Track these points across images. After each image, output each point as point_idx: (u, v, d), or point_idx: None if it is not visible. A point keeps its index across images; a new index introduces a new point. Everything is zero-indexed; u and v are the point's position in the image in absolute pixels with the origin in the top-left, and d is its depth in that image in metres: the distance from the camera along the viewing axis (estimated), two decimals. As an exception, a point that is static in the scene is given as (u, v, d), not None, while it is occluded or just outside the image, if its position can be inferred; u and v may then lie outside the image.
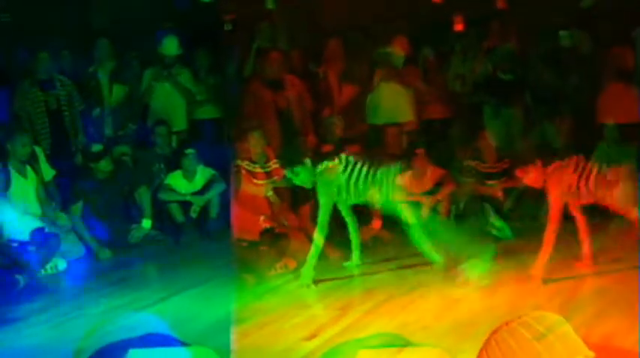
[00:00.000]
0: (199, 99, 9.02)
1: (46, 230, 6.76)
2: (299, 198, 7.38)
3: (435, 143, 8.38)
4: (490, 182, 7.90)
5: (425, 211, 7.80)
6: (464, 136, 8.44)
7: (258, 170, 7.48)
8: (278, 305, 5.64)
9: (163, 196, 8.14)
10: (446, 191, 7.84)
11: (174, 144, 8.78)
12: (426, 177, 7.84)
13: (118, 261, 7.25)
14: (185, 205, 8.13)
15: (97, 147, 7.89)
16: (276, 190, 7.46)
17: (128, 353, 1.56)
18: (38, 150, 7.76)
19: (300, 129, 8.65)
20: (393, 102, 8.80)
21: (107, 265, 7.18)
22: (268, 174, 7.50)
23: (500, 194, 7.78)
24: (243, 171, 7.44)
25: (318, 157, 7.48)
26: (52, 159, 7.86)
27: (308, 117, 8.74)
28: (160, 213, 8.10)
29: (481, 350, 1.60)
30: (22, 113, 8.21)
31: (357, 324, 5.09)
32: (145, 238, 7.81)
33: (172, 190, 8.15)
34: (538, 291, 5.51)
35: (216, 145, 9.00)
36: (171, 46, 8.89)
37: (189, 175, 8.19)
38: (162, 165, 8.49)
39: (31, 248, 6.53)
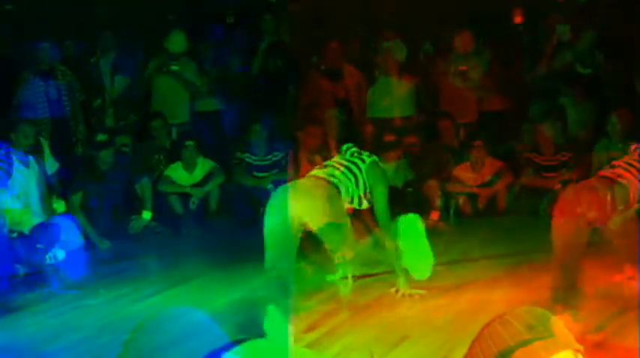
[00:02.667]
0: (202, 91, 9.03)
1: (46, 220, 6.77)
2: None
3: (493, 135, 8.41)
4: (547, 175, 7.93)
5: (481, 203, 7.87)
6: (522, 128, 8.45)
7: (318, 160, 7.39)
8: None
9: (163, 188, 8.14)
10: (503, 183, 7.90)
11: (174, 136, 8.79)
12: (484, 169, 7.94)
13: (118, 252, 7.26)
14: (185, 196, 8.15)
15: (102, 137, 7.90)
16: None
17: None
18: (44, 142, 7.77)
19: (359, 119, 8.69)
20: (394, 96, 8.80)
21: (106, 255, 7.19)
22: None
23: (558, 186, 7.77)
24: (304, 162, 7.36)
25: (377, 147, 7.68)
26: (52, 149, 7.88)
27: (365, 108, 8.84)
28: (160, 204, 8.11)
29: (473, 342, 1.61)
30: (24, 103, 8.23)
31: (353, 318, 5.10)
32: (145, 229, 7.82)
33: (172, 182, 8.16)
34: (536, 287, 5.51)
35: (217, 137, 9.02)
36: (177, 42, 8.86)
37: (190, 167, 8.20)
38: (161, 157, 8.50)
39: (31, 238, 6.54)
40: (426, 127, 8.60)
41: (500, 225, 7.57)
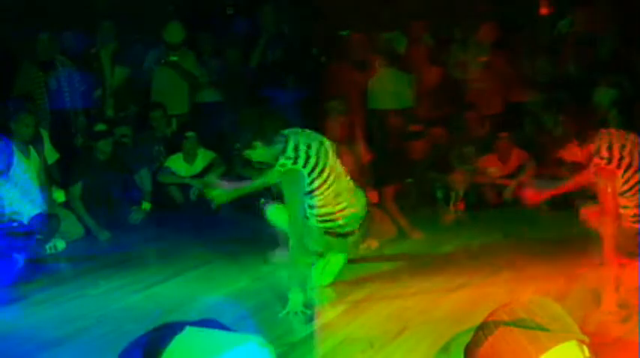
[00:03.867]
0: (202, 82, 9.01)
1: (46, 211, 6.76)
2: (382, 179, 7.43)
3: (517, 126, 8.41)
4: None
5: (508, 194, 7.88)
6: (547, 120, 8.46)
7: (345, 150, 7.36)
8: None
9: (162, 178, 8.14)
10: (529, 174, 7.91)
11: (174, 126, 8.78)
12: (510, 160, 7.96)
13: (118, 242, 7.27)
14: (185, 187, 8.15)
15: (100, 127, 7.89)
16: (360, 171, 7.45)
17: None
18: (44, 133, 7.77)
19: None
20: (394, 88, 8.80)
21: (106, 246, 7.19)
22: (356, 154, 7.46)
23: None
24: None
25: (403, 138, 7.74)
26: (51, 140, 7.87)
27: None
28: (160, 194, 8.11)
29: (478, 330, 1.61)
30: (24, 93, 8.22)
31: (353, 309, 5.10)
32: (144, 220, 7.83)
33: (172, 173, 8.16)
34: (538, 278, 5.52)
35: (217, 128, 9.01)
36: (174, 33, 8.86)
37: (190, 158, 8.20)
38: (161, 148, 8.50)
39: (31, 228, 6.54)
40: (452, 119, 8.62)
41: (508, 216, 7.58)
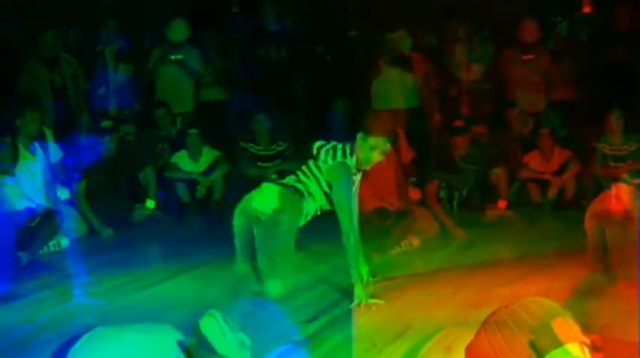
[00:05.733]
0: (206, 81, 9.01)
1: (51, 208, 6.76)
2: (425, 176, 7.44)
3: (559, 124, 8.38)
4: (615, 164, 7.92)
5: (552, 191, 7.87)
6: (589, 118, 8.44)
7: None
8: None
9: (169, 174, 8.15)
10: (572, 172, 7.89)
11: (179, 125, 8.78)
12: (553, 158, 7.96)
13: (121, 240, 7.27)
14: (191, 186, 8.15)
15: (106, 123, 7.89)
16: (402, 169, 7.46)
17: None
18: (47, 131, 7.77)
19: (428, 108, 8.76)
20: (398, 88, 8.79)
21: (110, 244, 7.19)
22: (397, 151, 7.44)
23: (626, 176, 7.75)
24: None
25: (445, 136, 7.80)
26: (56, 138, 7.87)
27: (434, 96, 8.82)
28: (165, 191, 8.11)
29: (479, 330, 1.61)
30: (28, 91, 8.22)
31: (355, 308, 5.09)
32: (148, 218, 7.83)
33: (178, 168, 8.17)
34: (540, 279, 5.51)
35: (222, 127, 9.02)
36: (178, 31, 8.86)
37: (194, 156, 8.21)
38: (165, 146, 8.50)
39: (35, 225, 6.54)
40: (494, 116, 8.61)
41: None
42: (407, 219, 6.90)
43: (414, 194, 7.60)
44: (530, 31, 8.87)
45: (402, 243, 6.54)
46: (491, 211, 7.66)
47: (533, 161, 8.16)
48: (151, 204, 7.88)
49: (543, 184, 8.05)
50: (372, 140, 5.01)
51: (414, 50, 9.07)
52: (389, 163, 7.08)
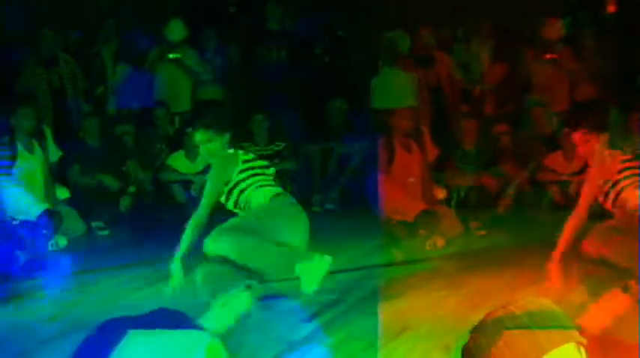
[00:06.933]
0: (204, 79, 9.01)
1: (49, 207, 6.77)
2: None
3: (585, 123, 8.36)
4: None
5: (573, 191, 7.86)
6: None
7: (410, 144, 7.27)
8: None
9: (164, 176, 8.16)
10: None
11: (177, 124, 8.78)
12: (575, 158, 7.87)
13: (120, 239, 7.28)
14: (187, 185, 8.16)
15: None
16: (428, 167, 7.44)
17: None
18: (47, 130, 7.77)
19: (452, 106, 8.77)
20: (397, 87, 8.79)
21: (108, 243, 7.20)
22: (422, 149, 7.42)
23: None
24: (398, 146, 7.21)
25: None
26: (54, 137, 7.88)
27: (457, 94, 8.80)
28: (161, 191, 8.14)
29: (476, 331, 1.61)
30: (26, 90, 8.22)
31: (354, 308, 5.10)
32: (148, 217, 7.86)
33: (173, 170, 8.18)
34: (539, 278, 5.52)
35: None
36: (175, 30, 8.86)
37: (192, 155, 8.20)
38: (163, 146, 8.50)
39: (34, 224, 6.54)
40: (518, 115, 8.59)
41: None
42: (431, 219, 6.81)
43: (439, 193, 7.54)
44: (553, 29, 8.84)
45: (427, 243, 6.52)
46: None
47: (555, 162, 8.09)
48: (132, 188, 8.02)
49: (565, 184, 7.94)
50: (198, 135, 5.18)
51: (437, 48, 9.06)
52: (415, 161, 7.08)
